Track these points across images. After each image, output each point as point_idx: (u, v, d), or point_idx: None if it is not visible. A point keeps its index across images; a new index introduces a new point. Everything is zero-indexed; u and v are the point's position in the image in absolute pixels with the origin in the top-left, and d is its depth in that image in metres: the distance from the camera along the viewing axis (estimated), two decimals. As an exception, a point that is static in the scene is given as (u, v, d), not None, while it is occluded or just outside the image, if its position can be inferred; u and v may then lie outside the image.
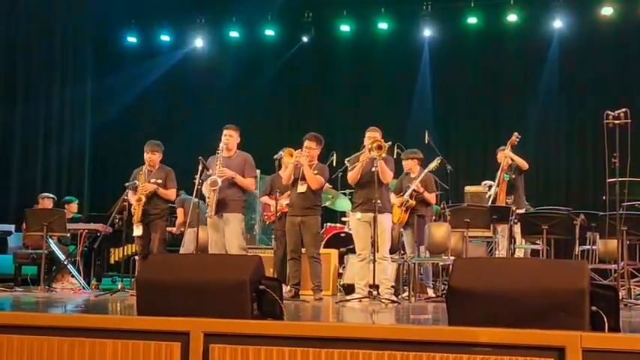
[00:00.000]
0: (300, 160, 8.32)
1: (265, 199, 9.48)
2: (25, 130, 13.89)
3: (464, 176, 11.77)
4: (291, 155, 8.35)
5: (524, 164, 9.98)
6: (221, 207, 8.26)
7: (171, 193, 8.99)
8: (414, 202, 9.21)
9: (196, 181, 9.16)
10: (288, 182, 8.51)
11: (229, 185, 8.31)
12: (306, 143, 8.50)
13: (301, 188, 8.39)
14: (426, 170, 9.37)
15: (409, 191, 9.20)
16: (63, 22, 14.08)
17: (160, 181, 8.86)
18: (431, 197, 9.33)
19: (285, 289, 8.04)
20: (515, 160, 9.93)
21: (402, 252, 9.40)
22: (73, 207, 11.29)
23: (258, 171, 8.81)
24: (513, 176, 9.93)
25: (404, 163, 9.49)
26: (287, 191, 8.73)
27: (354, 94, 14.04)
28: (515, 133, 10.12)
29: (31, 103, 13.93)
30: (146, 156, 8.93)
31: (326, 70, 14.31)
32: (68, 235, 10.00)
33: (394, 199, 9.30)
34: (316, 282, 8.39)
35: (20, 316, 4.67)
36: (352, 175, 8.21)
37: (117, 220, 9.16)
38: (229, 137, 8.48)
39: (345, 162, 8.42)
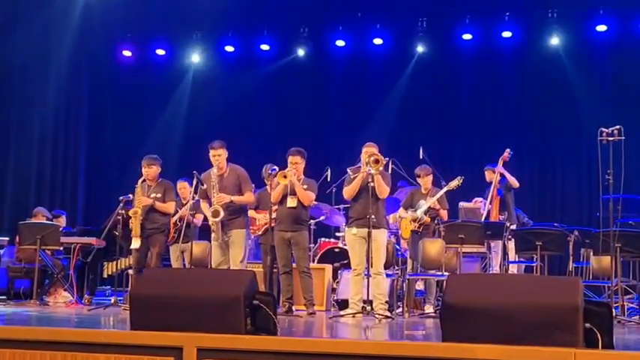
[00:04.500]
0: (292, 180, 8.33)
1: (252, 213, 9.50)
2: (19, 143, 13.86)
3: (458, 192, 11.76)
4: (285, 177, 8.34)
5: (514, 182, 10.04)
6: (224, 227, 8.30)
7: (169, 207, 9.00)
8: (429, 220, 9.20)
9: (190, 196, 9.20)
10: (277, 201, 8.51)
11: (228, 205, 8.33)
12: (291, 159, 8.48)
13: (291, 203, 8.38)
14: (446, 189, 9.30)
15: (424, 208, 9.16)
16: (58, 35, 14.06)
17: (159, 195, 8.88)
18: (444, 214, 9.32)
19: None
20: (506, 177, 9.97)
21: (396, 267, 9.40)
22: (61, 220, 11.26)
23: (252, 185, 8.80)
24: (504, 192, 9.98)
25: (423, 179, 9.38)
26: (274, 206, 8.76)
27: (350, 110, 14.04)
28: (508, 150, 10.17)
29: (25, 117, 13.91)
30: (143, 170, 8.93)
31: (321, 85, 14.33)
32: (61, 248, 9.97)
33: (403, 213, 9.32)
34: (308, 296, 8.39)
35: (13, 330, 4.65)
36: (349, 190, 8.21)
37: (117, 234, 9.14)
38: (217, 157, 8.45)
39: (348, 170, 8.41)
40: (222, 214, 8.21)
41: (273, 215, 8.71)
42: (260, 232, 9.20)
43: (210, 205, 8.37)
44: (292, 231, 8.38)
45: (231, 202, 8.31)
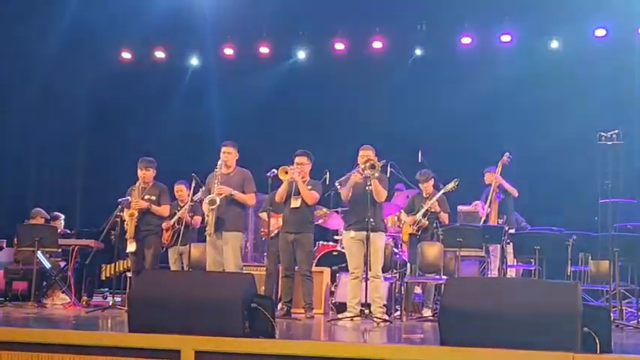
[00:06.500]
0: (294, 177, 8.33)
1: (264, 215, 9.51)
2: (17, 145, 13.85)
3: (457, 196, 11.78)
4: (286, 172, 8.35)
5: (514, 192, 10.07)
6: (220, 225, 8.26)
7: (164, 210, 9.03)
8: (426, 222, 9.22)
9: (187, 199, 9.19)
10: (281, 200, 8.50)
11: (228, 202, 8.31)
12: (297, 159, 8.52)
13: (295, 203, 8.40)
14: (443, 191, 9.37)
15: (422, 211, 9.21)
16: (57, 37, 14.05)
17: (153, 197, 8.91)
18: (445, 217, 9.35)
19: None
20: (505, 186, 9.99)
21: (394, 270, 9.39)
22: (59, 222, 11.24)
23: (255, 189, 8.78)
24: (503, 197, 9.99)
25: (424, 185, 9.47)
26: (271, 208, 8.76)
27: (349, 113, 14.03)
28: (507, 153, 10.17)
29: (24, 117, 13.90)
30: (140, 173, 8.97)
31: (320, 88, 14.30)
32: (59, 250, 9.97)
33: (405, 217, 9.34)
34: (307, 300, 8.39)
35: (10, 332, 4.64)
36: (344, 192, 8.24)
37: (112, 237, 9.18)
38: (228, 154, 8.48)
39: (336, 184, 8.44)
40: (218, 202, 8.19)
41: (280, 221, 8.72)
42: (273, 235, 9.11)
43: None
44: (296, 232, 8.37)
45: (232, 195, 8.27)
